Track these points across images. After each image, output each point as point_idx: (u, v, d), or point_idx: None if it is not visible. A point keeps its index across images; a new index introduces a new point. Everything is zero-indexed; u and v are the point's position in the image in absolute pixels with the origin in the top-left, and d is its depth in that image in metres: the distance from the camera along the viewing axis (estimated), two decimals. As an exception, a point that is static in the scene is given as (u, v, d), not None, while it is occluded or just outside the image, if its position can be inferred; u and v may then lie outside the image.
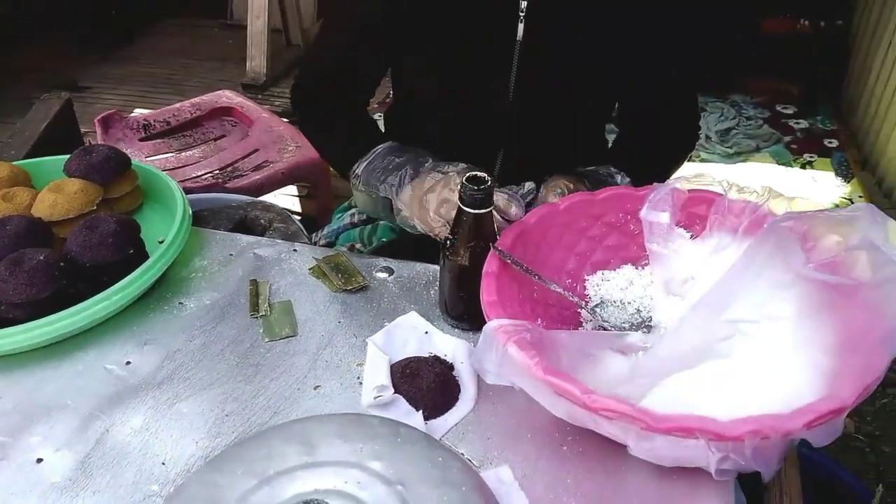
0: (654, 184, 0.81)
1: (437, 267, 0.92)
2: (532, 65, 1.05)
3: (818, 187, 2.63)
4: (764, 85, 3.31)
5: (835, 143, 2.93)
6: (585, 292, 0.83)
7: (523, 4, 1.04)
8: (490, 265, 0.73)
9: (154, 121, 2.08)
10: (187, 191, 1.71)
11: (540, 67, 1.06)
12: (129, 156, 1.90)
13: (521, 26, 1.04)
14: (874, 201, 2.53)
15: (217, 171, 1.98)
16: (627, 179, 1.03)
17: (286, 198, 2.52)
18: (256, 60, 3.53)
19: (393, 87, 1.25)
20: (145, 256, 0.87)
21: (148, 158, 1.99)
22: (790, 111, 3.19)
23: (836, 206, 2.49)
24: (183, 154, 2.06)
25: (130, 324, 0.83)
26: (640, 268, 0.84)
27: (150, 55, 3.95)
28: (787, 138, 2.98)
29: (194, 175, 1.94)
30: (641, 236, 0.83)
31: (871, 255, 0.60)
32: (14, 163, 1.00)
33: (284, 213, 1.02)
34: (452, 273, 0.78)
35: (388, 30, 1.11)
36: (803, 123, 3.09)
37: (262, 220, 1.02)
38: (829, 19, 3.17)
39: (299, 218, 2.58)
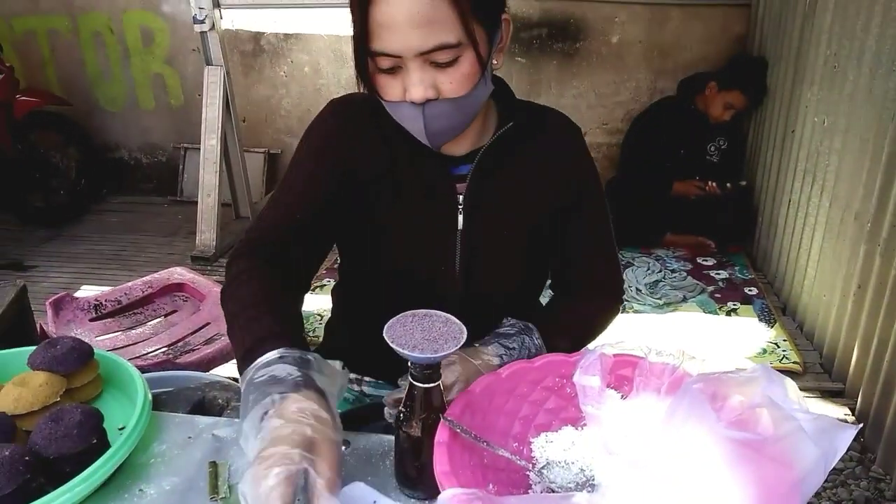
0: (585, 350, 0.90)
1: (390, 437, 0.97)
2: (471, 248, 1.18)
3: (745, 333, 2.79)
4: (683, 240, 3.60)
5: (755, 291, 3.15)
6: (532, 454, 0.89)
7: (460, 198, 1.18)
8: (441, 435, 0.79)
9: (105, 300, 2.12)
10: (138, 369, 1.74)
11: (480, 254, 1.19)
12: (80, 336, 1.93)
13: (460, 217, 1.17)
14: (797, 343, 2.70)
15: (167, 347, 2.00)
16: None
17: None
18: (206, 234, 3.65)
19: (340, 262, 1.33)
20: (107, 445, 0.89)
21: (98, 338, 2.00)
22: (710, 263, 3.45)
23: (764, 350, 2.65)
24: (133, 332, 2.08)
25: (90, 514, 0.84)
26: (579, 428, 0.91)
27: (99, 232, 4.04)
28: (711, 288, 3.19)
29: (144, 352, 1.96)
30: (577, 398, 0.91)
31: (771, 411, 0.69)
32: (-25, 357, 1.03)
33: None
34: (406, 444, 0.84)
35: (331, 205, 1.16)
36: (723, 274, 3.33)
37: (219, 400, 1.05)
38: (734, 180, 3.53)
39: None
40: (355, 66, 1.05)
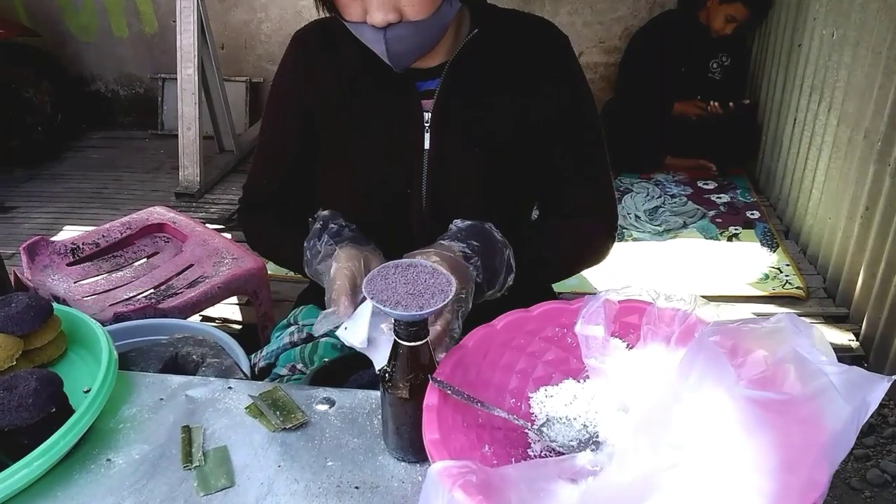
0: (586, 296, 0.82)
1: (375, 392, 0.90)
2: (438, 171, 1.13)
3: (747, 259, 2.73)
4: (683, 164, 3.48)
5: (756, 215, 3.07)
6: (531, 411, 0.82)
7: (427, 116, 1.12)
8: (430, 398, 0.72)
9: (83, 243, 2.03)
10: (119, 317, 1.67)
11: (448, 174, 1.13)
12: (58, 282, 1.85)
13: (427, 136, 1.12)
14: (801, 267, 2.64)
15: (151, 291, 1.92)
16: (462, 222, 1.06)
17: (225, 306, 2.47)
18: (189, 169, 3.52)
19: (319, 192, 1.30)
20: (69, 411, 0.82)
21: (77, 283, 1.92)
22: (711, 186, 3.35)
23: (766, 276, 2.59)
24: (114, 275, 2.00)
25: (53, 488, 0.78)
26: (581, 381, 0.84)
27: (80, 170, 3.90)
28: (712, 213, 3.11)
29: (126, 297, 1.88)
30: (579, 349, 0.84)
31: (798, 367, 0.61)
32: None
33: (217, 347, 0.99)
34: (394, 407, 0.77)
35: (305, 146, 1.21)
36: (724, 198, 3.24)
37: (193, 356, 0.98)
38: (737, 99, 3.38)
39: (239, 327, 2.52)
40: None
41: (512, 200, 1.22)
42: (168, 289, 1.94)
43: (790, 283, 2.53)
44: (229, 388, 0.91)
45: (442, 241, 1.01)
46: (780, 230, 2.95)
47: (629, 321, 0.82)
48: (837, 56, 2.48)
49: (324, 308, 1.33)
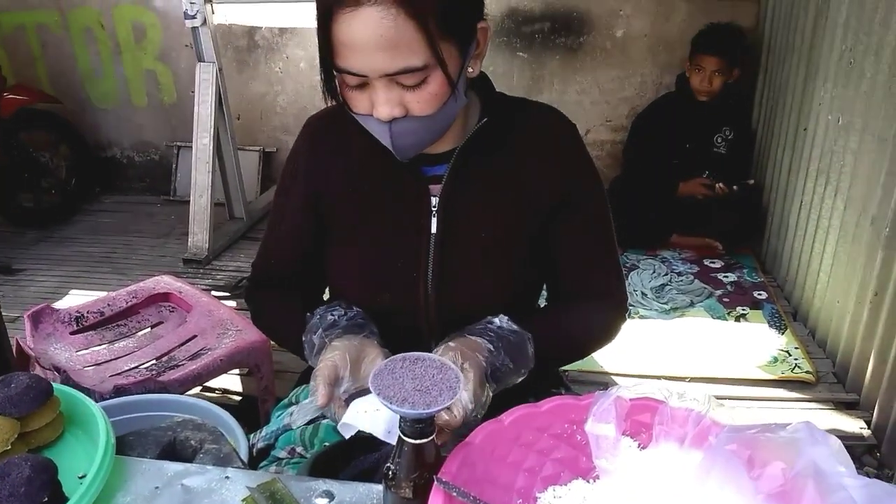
0: (596, 393, 0.81)
1: (378, 486, 0.87)
2: (446, 255, 1.13)
3: (755, 340, 2.69)
4: (689, 242, 3.49)
5: (764, 295, 3.05)
6: (537, 513, 0.79)
7: (434, 201, 1.12)
8: (435, 500, 0.69)
9: (87, 312, 2.03)
10: (119, 390, 1.65)
11: (454, 259, 1.13)
12: (60, 351, 1.83)
13: (434, 220, 1.12)
14: (810, 351, 2.60)
15: (152, 363, 1.91)
16: (506, 320, 1.06)
17: (226, 377, 2.43)
18: (199, 236, 3.55)
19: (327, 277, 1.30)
20: (63, 500, 0.80)
21: (78, 353, 1.91)
22: (717, 265, 3.34)
23: (775, 359, 2.55)
24: (116, 345, 1.99)
25: (39, 583, 0.75)
26: (591, 481, 0.81)
27: (90, 234, 3.94)
28: (719, 292, 3.09)
29: (127, 368, 1.87)
30: (589, 447, 0.81)
31: (818, 480, 0.59)
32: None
33: (217, 432, 0.97)
34: (396, 506, 0.74)
35: (315, 230, 1.21)
36: (731, 277, 3.23)
37: (192, 441, 0.96)
38: (743, 179, 3.42)
39: (239, 398, 2.48)
40: (321, 80, 1.04)
41: (520, 285, 1.22)
42: (170, 360, 1.92)
43: (799, 367, 2.49)
44: (226, 477, 0.89)
45: (471, 336, 1.00)
46: (787, 312, 2.92)
47: (641, 419, 0.80)
48: (843, 141, 2.51)
49: None
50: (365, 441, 1.14)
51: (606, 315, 1.23)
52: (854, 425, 2.20)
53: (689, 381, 2.43)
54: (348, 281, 1.20)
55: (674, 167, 3.47)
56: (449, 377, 0.72)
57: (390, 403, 0.68)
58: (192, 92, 4.12)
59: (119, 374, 1.83)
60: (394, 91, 0.97)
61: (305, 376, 1.38)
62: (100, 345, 1.97)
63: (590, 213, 1.20)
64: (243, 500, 0.85)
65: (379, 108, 0.97)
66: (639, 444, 0.80)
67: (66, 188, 4.17)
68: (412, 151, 1.06)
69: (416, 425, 0.70)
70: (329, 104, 1.07)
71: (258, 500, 0.83)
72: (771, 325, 2.80)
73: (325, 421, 1.26)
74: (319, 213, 1.22)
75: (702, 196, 3.42)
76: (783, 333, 2.73)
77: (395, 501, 0.74)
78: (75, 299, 2.11)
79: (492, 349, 0.97)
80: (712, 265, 3.34)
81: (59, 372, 1.71)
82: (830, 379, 2.46)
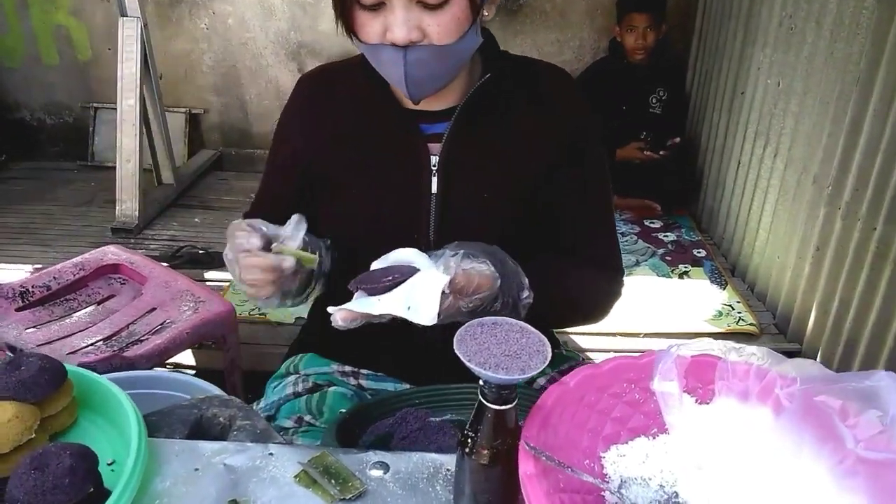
0: (656, 350, 0.81)
1: (434, 456, 0.85)
2: (447, 216, 1.10)
3: (699, 296, 2.81)
4: (629, 203, 3.58)
5: (703, 253, 3.18)
6: (604, 471, 0.79)
7: (434, 160, 1.09)
8: (526, 466, 0.68)
9: (32, 287, 1.87)
10: (87, 367, 1.54)
11: (456, 219, 1.11)
12: (7, 329, 1.69)
13: (434, 180, 1.10)
14: (750, 304, 2.74)
15: (111, 338, 1.79)
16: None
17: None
18: (128, 204, 3.34)
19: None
20: (104, 491, 0.74)
21: (27, 331, 1.76)
22: (657, 225, 3.45)
23: (720, 313, 2.67)
24: (67, 321, 1.85)
25: (91, 579, 0.69)
26: (650, 438, 0.82)
27: (2, 203, 3.63)
28: (661, 251, 3.20)
29: (85, 344, 1.74)
30: (646, 405, 0.82)
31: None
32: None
33: (246, 408, 0.91)
34: (474, 474, 0.72)
35: (308, 190, 1.17)
36: (671, 236, 3.35)
37: (220, 419, 0.90)
38: (674, 137, 3.52)
39: (194, 373, 2.38)
40: (335, 7, 0.98)
41: (523, 247, 1.20)
42: (130, 335, 1.81)
43: (743, 320, 2.62)
44: (270, 454, 0.84)
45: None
46: (726, 268, 3.06)
47: (702, 376, 0.81)
48: (783, 104, 2.62)
49: (325, 355, 1.27)
50: (376, 405, 1.11)
51: (605, 284, 1.22)
52: (797, 373, 2.34)
53: (643, 337, 2.52)
54: (344, 243, 1.16)
55: (612, 131, 3.54)
56: (532, 341, 0.70)
57: (484, 370, 0.66)
58: (110, 49, 3.86)
59: (76, 351, 1.71)
60: (413, 12, 0.92)
61: (301, 346, 1.34)
62: (49, 321, 1.83)
63: (591, 177, 1.19)
64: (296, 477, 0.81)
65: (395, 29, 0.92)
66: (696, 400, 0.81)
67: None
68: (425, 87, 1.01)
69: (502, 391, 0.68)
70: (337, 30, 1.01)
71: (314, 476, 0.80)
72: (712, 282, 2.93)
73: (331, 389, 1.22)
74: (311, 174, 1.17)
75: (638, 160, 3.50)
76: (724, 289, 2.86)
77: (473, 468, 0.72)
78: (13, 279, 1.94)
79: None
80: (652, 225, 3.44)
81: (15, 351, 1.57)
82: (772, 330, 2.61)
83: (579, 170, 1.16)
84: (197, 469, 0.82)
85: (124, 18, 3.25)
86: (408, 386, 1.21)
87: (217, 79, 4.01)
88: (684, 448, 0.78)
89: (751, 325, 2.58)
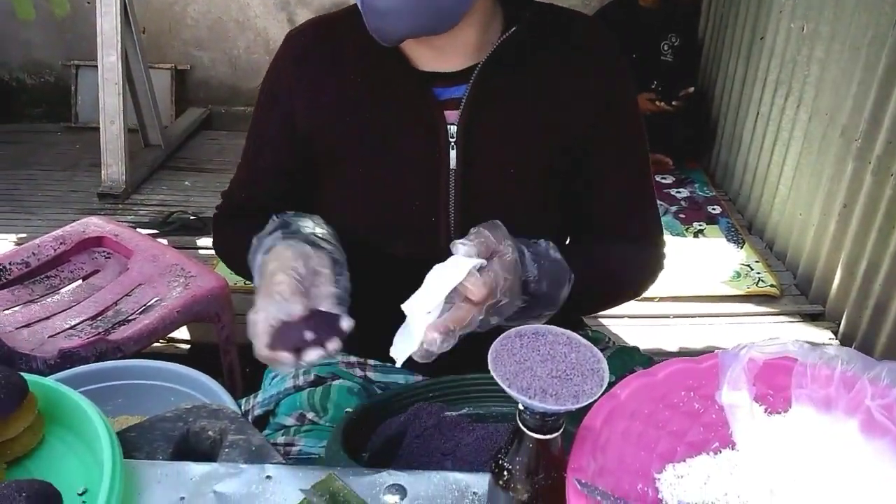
0: (718, 353, 0.69)
1: (458, 476, 0.74)
2: (470, 195, 0.96)
3: (715, 256, 2.69)
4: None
5: (718, 210, 3.05)
6: (659, 496, 0.68)
7: (452, 129, 0.95)
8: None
9: (10, 263, 1.74)
10: (67, 355, 1.42)
11: (481, 198, 0.97)
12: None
13: (453, 153, 0.95)
14: (770, 264, 2.62)
15: (96, 318, 1.67)
16: (552, 246, 0.90)
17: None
18: (114, 167, 3.18)
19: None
20: (69, 534, 0.62)
21: (7, 312, 1.64)
22: (669, 181, 3.31)
23: (738, 273, 2.55)
24: (49, 300, 1.73)
25: None
26: (712, 455, 0.70)
27: (-18, 169, 3.47)
28: (674, 208, 3.07)
29: (68, 326, 1.62)
30: (706, 416, 0.70)
31: None
32: None
33: (239, 419, 0.79)
34: (512, 510, 0.61)
35: (299, 159, 1.04)
36: (684, 192, 3.21)
37: (209, 433, 0.78)
38: (687, 87, 3.35)
39: (188, 347, 2.27)
40: None
41: (553, 224, 1.07)
42: (116, 315, 1.68)
43: (763, 281, 2.51)
44: (268, 477, 0.73)
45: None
46: (742, 225, 2.94)
47: (775, 383, 0.69)
48: (808, 51, 2.45)
49: None
50: (386, 401, 1.00)
51: (646, 260, 1.10)
52: (822, 336, 2.24)
53: (657, 301, 2.40)
54: (352, 227, 1.02)
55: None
56: (585, 356, 0.58)
57: (527, 397, 0.53)
58: (89, 2, 3.64)
59: (58, 333, 1.59)
60: None
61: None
62: (30, 301, 1.70)
63: (629, 145, 1.05)
64: (298, 507, 0.69)
65: None
66: (766, 409, 0.69)
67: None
68: (392, 24, 0.84)
69: (546, 418, 0.56)
70: None
71: (319, 506, 0.68)
72: (729, 240, 2.80)
73: (335, 382, 1.11)
74: (309, 145, 1.03)
75: (649, 112, 3.34)
76: (742, 248, 2.74)
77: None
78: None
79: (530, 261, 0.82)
80: (664, 181, 3.30)
81: (-11, 340, 1.45)
82: (793, 291, 2.50)
83: (616, 140, 1.02)
84: (183, 498, 0.70)
85: (101, -32, 3.04)
86: (420, 377, 1.09)
87: (202, 32, 3.81)
88: (753, 467, 0.66)
89: (771, 286, 2.47)
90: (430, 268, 0.99)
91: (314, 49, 1.02)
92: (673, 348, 2.18)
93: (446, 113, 0.96)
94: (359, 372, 1.13)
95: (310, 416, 1.07)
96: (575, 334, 0.60)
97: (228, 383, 1.88)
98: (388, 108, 0.97)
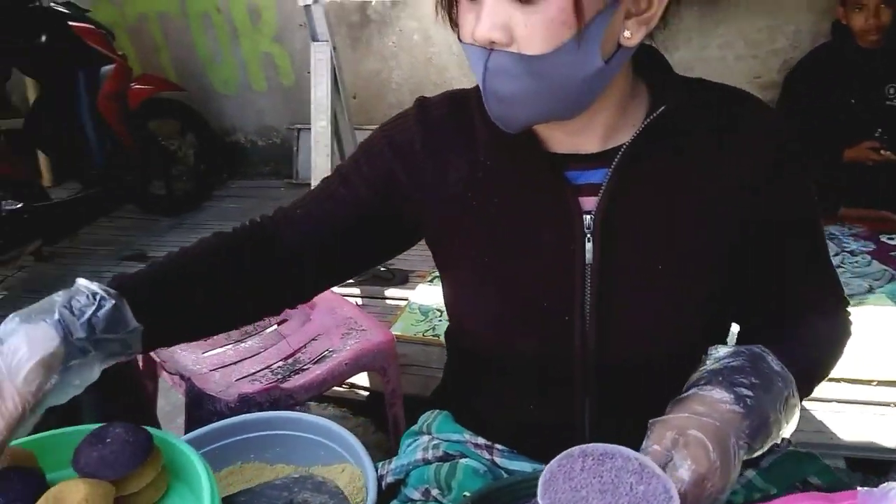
0: (859, 491, 0.57)
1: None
2: (611, 294, 0.87)
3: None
4: (861, 214, 3.03)
5: (959, 278, 2.58)
6: None
7: (588, 219, 0.86)
8: None
9: (213, 309, 1.96)
10: (245, 399, 1.55)
11: (621, 297, 0.87)
12: (187, 353, 1.76)
13: (588, 245, 0.86)
14: None
15: (278, 365, 1.81)
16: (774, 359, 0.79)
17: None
18: (320, 220, 3.48)
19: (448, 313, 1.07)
20: None
21: (204, 354, 1.84)
22: (896, 242, 2.88)
23: (985, 356, 2.13)
24: (242, 345, 1.91)
25: None
26: None
27: (219, 219, 3.99)
28: (903, 274, 2.65)
29: (252, 371, 1.78)
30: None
31: None
32: (17, 441, 0.82)
33: (339, 495, 0.81)
34: None
35: (384, 212, 0.95)
36: (916, 255, 2.77)
37: (311, 504, 0.80)
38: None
39: (367, 394, 2.38)
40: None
41: (706, 323, 0.95)
42: (294, 363, 1.82)
43: None
44: (355, 558, 0.72)
45: (700, 390, 0.74)
46: None
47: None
48: None
49: (458, 419, 1.13)
50: (508, 489, 0.96)
51: (839, 333, 0.99)
52: None
53: (875, 385, 2.07)
54: (478, 322, 0.97)
55: (838, 128, 3.01)
56: (655, 490, 0.50)
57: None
58: (308, 72, 4.06)
59: (244, 377, 1.75)
60: (502, 5, 0.73)
61: (439, 400, 1.21)
62: (225, 345, 1.90)
63: (804, 231, 0.93)
64: None
65: (479, 24, 0.74)
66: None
67: (195, 175, 4.24)
68: (513, 112, 0.79)
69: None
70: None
71: None
72: (976, 315, 2.36)
73: (462, 461, 1.08)
74: (413, 223, 0.96)
75: (872, 162, 2.94)
76: None
77: None
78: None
79: (735, 398, 0.71)
80: (890, 242, 2.88)
81: (184, 379, 1.64)
82: None
83: (790, 230, 0.91)
84: (274, 570, 0.72)
85: (315, 43, 3.39)
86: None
87: (404, 96, 4.08)
88: None
89: None
90: (561, 367, 0.93)
91: (445, 122, 0.96)
92: (891, 444, 1.86)
93: (581, 200, 0.88)
94: (486, 454, 1.09)
95: (434, 492, 1.06)
96: (650, 461, 0.52)
97: (392, 437, 1.94)
98: (517, 192, 0.91)
